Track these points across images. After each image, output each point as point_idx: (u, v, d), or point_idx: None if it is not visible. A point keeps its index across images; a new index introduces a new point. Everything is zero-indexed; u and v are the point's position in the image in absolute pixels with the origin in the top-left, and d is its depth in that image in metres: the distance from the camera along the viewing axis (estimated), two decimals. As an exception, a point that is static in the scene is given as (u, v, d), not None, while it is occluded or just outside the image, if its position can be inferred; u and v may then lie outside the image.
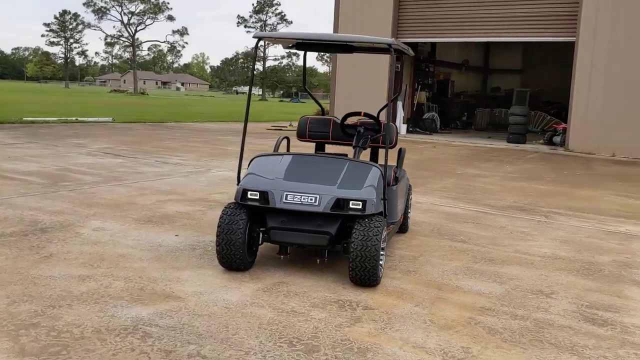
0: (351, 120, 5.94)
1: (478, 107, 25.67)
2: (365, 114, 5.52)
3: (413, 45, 21.15)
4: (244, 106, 25.31)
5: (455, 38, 18.00)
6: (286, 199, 4.58)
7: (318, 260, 4.83)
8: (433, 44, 22.83)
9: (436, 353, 3.47)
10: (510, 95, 25.81)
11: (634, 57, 14.32)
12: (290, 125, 21.18)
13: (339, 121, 6.14)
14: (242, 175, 4.94)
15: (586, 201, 8.96)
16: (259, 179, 4.78)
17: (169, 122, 22.60)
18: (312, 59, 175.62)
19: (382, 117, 6.32)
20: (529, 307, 4.32)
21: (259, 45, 5.06)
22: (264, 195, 4.64)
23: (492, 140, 18.49)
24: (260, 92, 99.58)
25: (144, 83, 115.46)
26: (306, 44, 5.04)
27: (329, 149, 6.50)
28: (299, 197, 4.58)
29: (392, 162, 6.31)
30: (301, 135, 6.24)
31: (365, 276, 4.43)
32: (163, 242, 5.49)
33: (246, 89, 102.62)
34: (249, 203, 4.68)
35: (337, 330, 3.71)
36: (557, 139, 16.68)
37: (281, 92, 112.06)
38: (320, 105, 6.75)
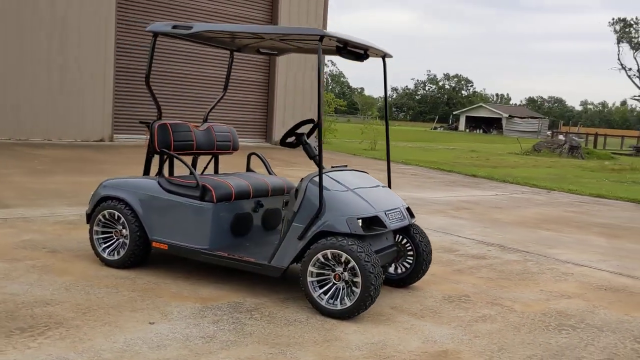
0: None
1: None
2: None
3: None
4: None
5: None
6: (390, 218, 4.37)
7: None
8: None
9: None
10: None
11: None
12: None
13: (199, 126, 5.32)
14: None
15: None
16: (347, 205, 4.20)
17: None
18: None
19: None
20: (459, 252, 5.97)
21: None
22: (374, 220, 4.23)
23: None
24: None
25: None
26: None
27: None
28: (394, 213, 4.46)
29: (236, 168, 6.01)
30: (165, 147, 4.86)
31: (426, 271, 4.91)
32: (178, 334, 3.62)
33: None
34: (372, 233, 4.16)
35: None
36: None
37: None
38: (159, 109, 5.05)
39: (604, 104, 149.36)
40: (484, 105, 77.78)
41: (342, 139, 27.28)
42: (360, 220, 4.15)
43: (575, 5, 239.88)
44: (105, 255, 4.86)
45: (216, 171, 5.63)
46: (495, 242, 7.10)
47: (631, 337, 4.13)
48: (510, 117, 69.35)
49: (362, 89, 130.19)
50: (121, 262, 4.79)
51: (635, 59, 71.94)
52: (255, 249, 4.67)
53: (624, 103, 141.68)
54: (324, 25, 19.25)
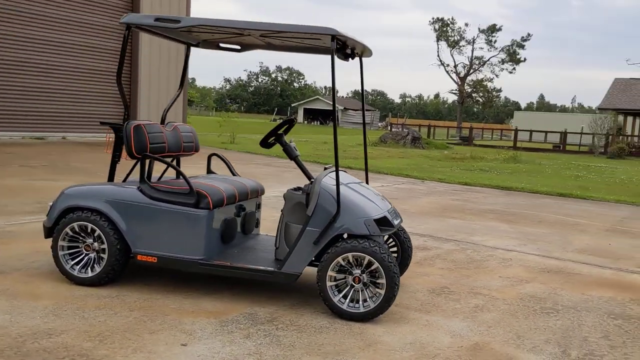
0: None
1: None
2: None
3: None
4: None
5: None
6: (393, 217, 4.42)
7: None
8: None
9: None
10: None
11: None
12: None
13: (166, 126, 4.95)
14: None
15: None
16: (362, 206, 4.18)
17: None
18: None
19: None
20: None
21: None
22: (381, 220, 4.24)
23: None
24: None
25: None
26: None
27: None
28: (393, 212, 4.51)
29: (201, 170, 5.74)
30: (142, 150, 4.43)
31: (408, 266, 5.04)
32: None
33: None
34: (385, 234, 4.17)
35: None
36: None
37: None
38: (127, 108, 4.48)
39: (420, 97, 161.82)
40: (320, 97, 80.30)
41: (197, 132, 26.55)
42: (371, 221, 4.15)
43: (394, 6, 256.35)
44: (75, 272, 4.32)
45: (178, 174, 5.25)
46: (424, 232, 7.43)
47: (606, 315, 4.60)
48: (345, 109, 72.34)
49: (194, 79, 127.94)
50: (96, 279, 4.29)
51: (452, 55, 78.43)
52: (250, 255, 4.46)
53: (437, 96, 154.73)
54: (188, 12, 18.58)
